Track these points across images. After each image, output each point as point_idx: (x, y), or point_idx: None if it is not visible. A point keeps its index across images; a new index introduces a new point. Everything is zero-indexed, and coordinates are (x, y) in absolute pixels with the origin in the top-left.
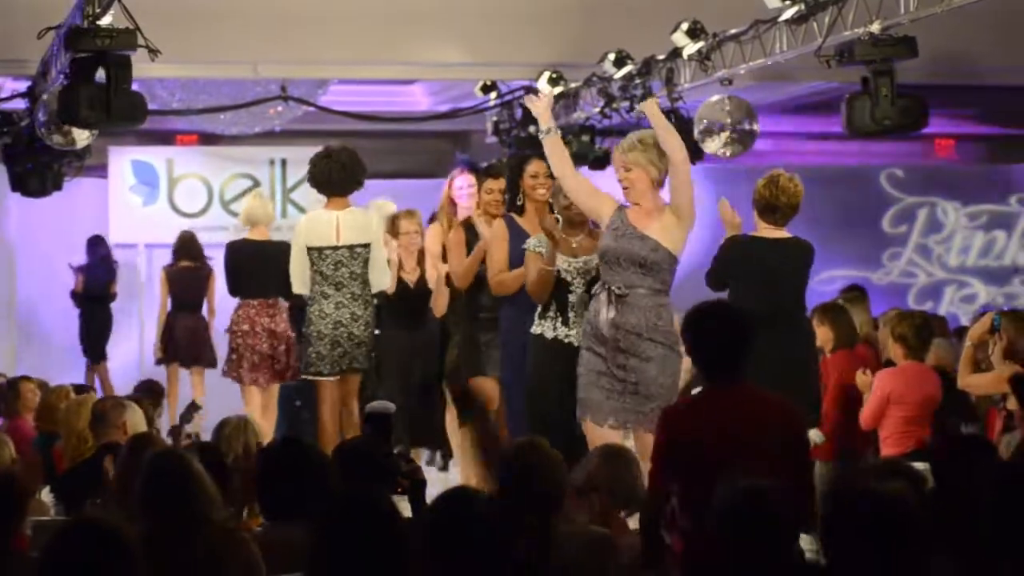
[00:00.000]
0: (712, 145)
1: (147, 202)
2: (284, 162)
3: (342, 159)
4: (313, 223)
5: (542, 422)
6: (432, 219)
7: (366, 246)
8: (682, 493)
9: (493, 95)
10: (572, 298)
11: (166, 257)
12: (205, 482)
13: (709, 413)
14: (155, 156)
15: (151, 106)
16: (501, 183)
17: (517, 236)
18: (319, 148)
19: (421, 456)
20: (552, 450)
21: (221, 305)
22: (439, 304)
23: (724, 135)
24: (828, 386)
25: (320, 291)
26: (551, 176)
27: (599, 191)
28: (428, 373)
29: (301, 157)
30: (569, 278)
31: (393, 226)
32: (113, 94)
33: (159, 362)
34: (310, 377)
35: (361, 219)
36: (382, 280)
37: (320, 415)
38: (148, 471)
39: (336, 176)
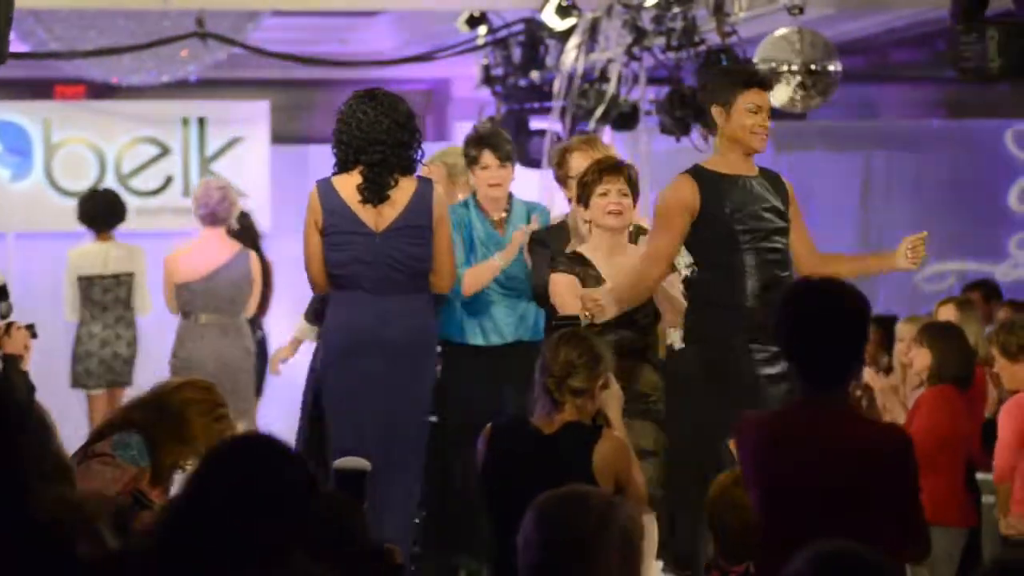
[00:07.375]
0: (779, 95)
1: (16, 177)
2: (202, 122)
3: (107, 197)
4: (84, 255)
5: None
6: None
7: (131, 275)
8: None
9: (482, 30)
10: None
11: (40, 251)
12: None
13: (798, 429)
14: (26, 114)
15: (20, 47)
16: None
17: None
18: (247, 103)
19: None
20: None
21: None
22: None
23: (794, 81)
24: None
25: (89, 314)
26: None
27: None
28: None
29: (225, 115)
30: None
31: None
32: None
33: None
34: (81, 390)
35: (126, 251)
36: (144, 305)
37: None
38: None
39: (103, 213)
